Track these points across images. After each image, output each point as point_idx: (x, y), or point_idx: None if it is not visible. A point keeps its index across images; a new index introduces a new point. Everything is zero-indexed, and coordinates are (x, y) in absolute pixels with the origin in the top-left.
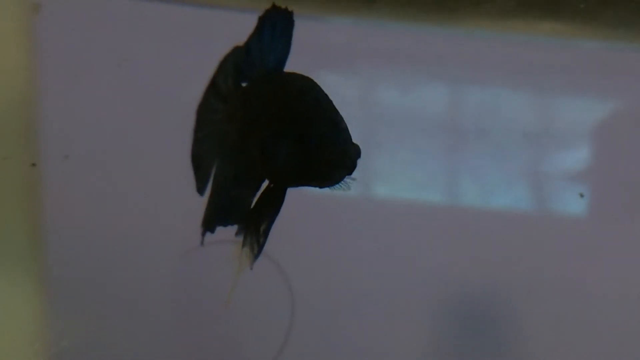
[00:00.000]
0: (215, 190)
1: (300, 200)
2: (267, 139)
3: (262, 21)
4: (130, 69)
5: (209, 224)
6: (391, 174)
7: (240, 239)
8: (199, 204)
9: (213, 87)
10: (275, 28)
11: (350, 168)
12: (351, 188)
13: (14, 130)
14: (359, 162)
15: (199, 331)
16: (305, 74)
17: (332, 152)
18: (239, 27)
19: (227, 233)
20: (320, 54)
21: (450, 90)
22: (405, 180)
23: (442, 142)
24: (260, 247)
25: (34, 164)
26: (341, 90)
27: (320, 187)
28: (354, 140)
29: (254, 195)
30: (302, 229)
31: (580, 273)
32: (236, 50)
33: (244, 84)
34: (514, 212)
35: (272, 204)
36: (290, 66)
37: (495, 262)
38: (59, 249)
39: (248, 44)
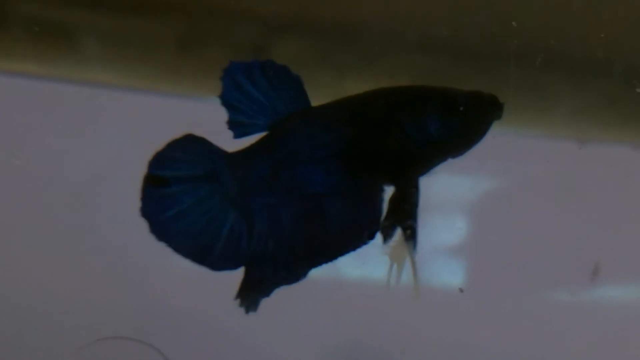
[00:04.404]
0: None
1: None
2: (405, 121)
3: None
4: None
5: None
6: None
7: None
8: None
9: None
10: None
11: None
12: None
13: None
14: None
15: None
16: None
17: (482, 101)
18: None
19: None
20: None
21: None
22: None
23: None
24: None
25: None
26: None
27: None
28: None
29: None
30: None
31: (456, 342)
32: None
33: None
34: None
35: (410, 199)
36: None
37: (374, 333)
38: None
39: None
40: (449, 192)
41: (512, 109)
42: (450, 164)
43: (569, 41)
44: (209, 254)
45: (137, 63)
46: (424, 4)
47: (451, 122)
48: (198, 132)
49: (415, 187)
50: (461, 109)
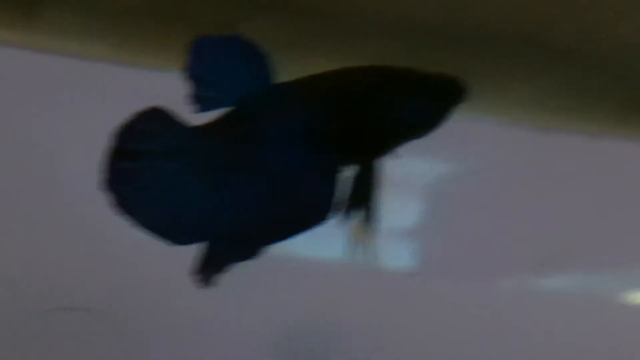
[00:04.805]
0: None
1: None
2: (377, 102)
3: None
4: None
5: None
6: None
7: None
8: None
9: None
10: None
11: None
12: None
13: None
14: None
15: None
16: None
17: (448, 84)
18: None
19: None
20: None
21: None
22: None
23: None
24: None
25: None
26: None
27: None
28: None
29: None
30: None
31: (407, 324)
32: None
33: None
34: (346, 264)
35: (373, 178)
36: None
37: (326, 311)
38: None
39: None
40: (407, 176)
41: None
42: (410, 147)
43: (534, 27)
44: (171, 229)
45: (104, 33)
46: None
47: (421, 105)
48: (165, 104)
49: (377, 168)
50: (430, 92)
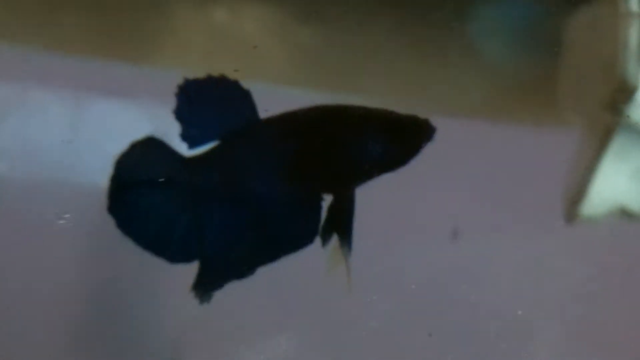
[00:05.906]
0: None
1: None
2: (348, 141)
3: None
4: None
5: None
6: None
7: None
8: None
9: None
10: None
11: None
12: None
13: None
14: None
15: None
16: None
17: (417, 126)
18: None
19: None
20: None
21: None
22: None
23: None
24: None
25: None
26: None
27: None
28: None
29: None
30: None
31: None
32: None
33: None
34: None
35: (347, 207)
36: None
37: None
38: None
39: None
40: None
41: None
42: None
43: None
44: (164, 250)
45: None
46: None
47: (390, 144)
48: None
49: (351, 198)
50: (401, 131)
